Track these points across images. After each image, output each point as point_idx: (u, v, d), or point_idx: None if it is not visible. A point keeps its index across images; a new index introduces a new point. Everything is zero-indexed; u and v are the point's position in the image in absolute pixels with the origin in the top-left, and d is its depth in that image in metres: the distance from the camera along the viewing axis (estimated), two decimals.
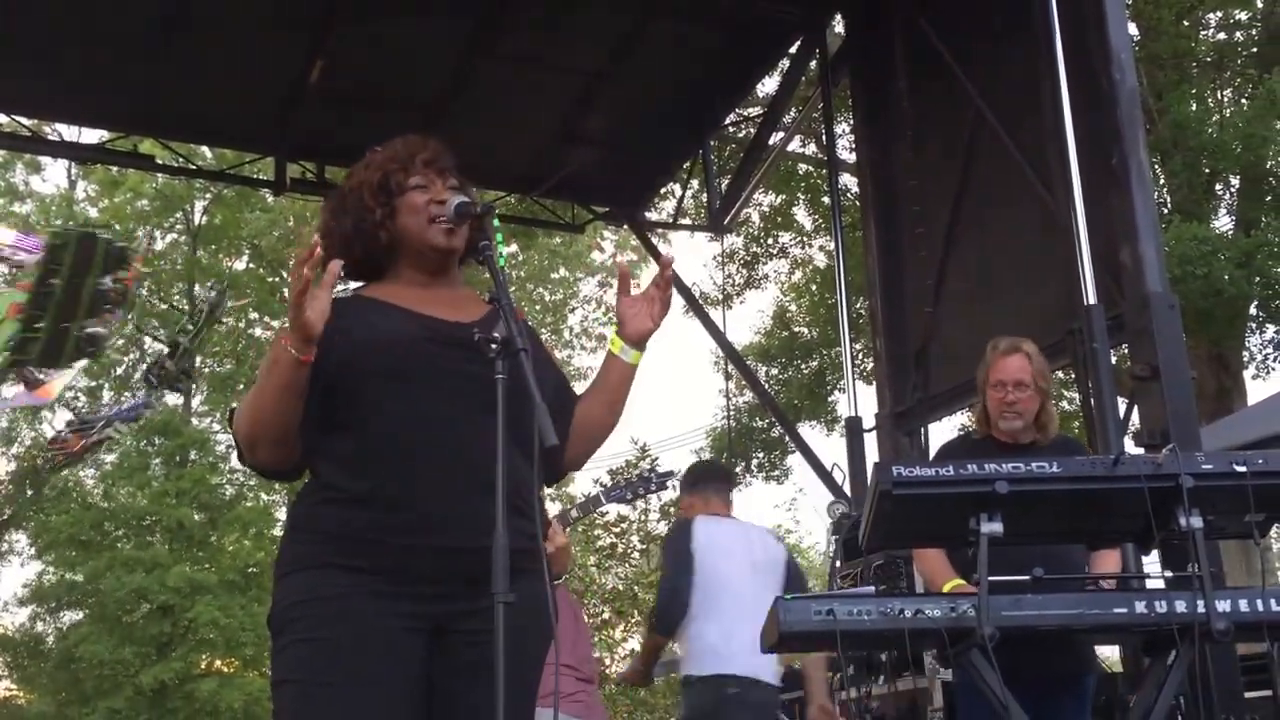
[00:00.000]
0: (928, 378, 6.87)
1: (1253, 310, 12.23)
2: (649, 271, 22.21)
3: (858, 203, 8.66)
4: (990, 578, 2.98)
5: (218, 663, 20.07)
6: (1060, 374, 8.00)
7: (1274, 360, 13.09)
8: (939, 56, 6.75)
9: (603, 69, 7.79)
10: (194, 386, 21.51)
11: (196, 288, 20.90)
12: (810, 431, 16.37)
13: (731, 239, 15.02)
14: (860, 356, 12.53)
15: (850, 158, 11.83)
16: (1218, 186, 13.00)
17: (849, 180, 11.80)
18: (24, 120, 8.17)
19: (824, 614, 3.02)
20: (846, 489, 6.76)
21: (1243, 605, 3.02)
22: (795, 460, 16.27)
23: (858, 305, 12.45)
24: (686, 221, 11.23)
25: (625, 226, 11.28)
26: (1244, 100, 12.69)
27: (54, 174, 29.36)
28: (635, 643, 17.35)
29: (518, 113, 8.17)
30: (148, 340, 21.39)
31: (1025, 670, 3.21)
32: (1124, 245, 5.38)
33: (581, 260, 22.05)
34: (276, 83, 7.67)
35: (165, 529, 20.46)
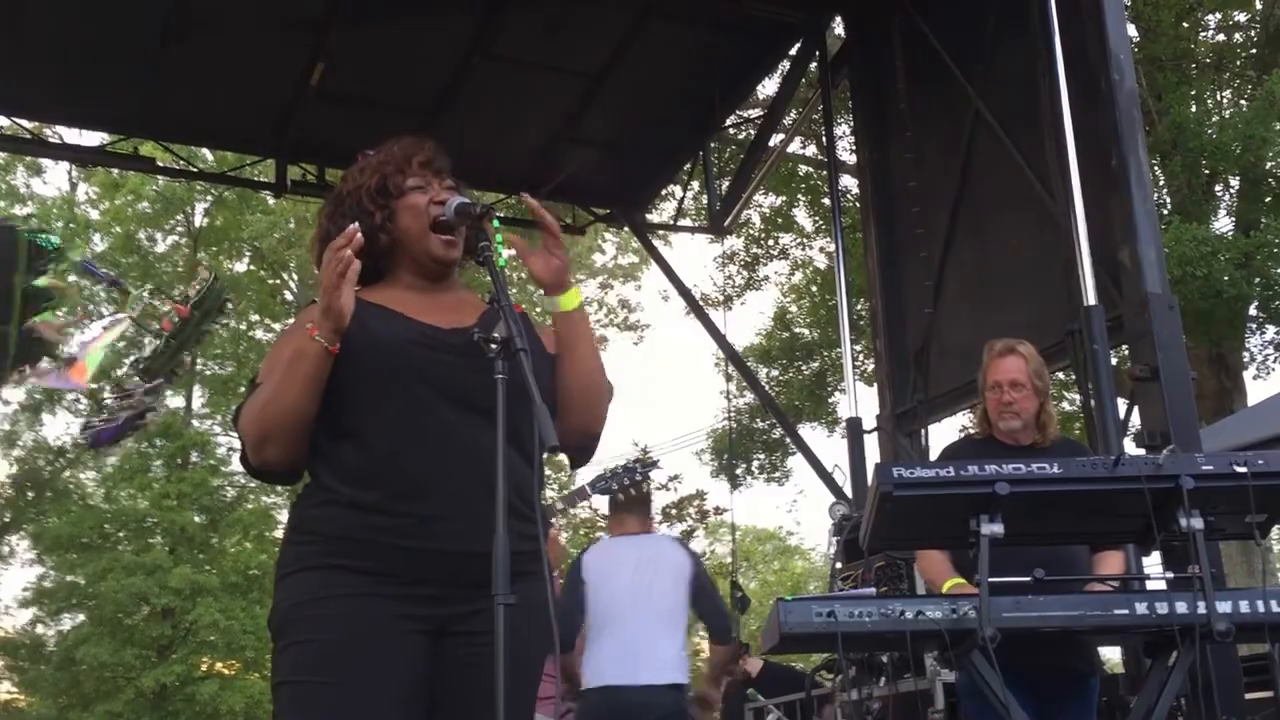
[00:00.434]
0: (928, 379, 6.87)
1: (1253, 311, 12.24)
2: (649, 272, 22.19)
3: (858, 204, 8.66)
4: (991, 579, 2.97)
5: (218, 665, 20.09)
6: (1060, 375, 8.02)
7: (1274, 360, 13.12)
8: (938, 58, 6.75)
9: (603, 70, 7.78)
10: (192, 384, 21.49)
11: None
12: (811, 433, 16.41)
13: (732, 240, 15.06)
14: (861, 358, 12.55)
15: (850, 159, 11.85)
16: (1217, 187, 13.00)
17: (849, 181, 11.82)
18: (25, 123, 8.17)
19: (825, 615, 3.03)
20: (847, 490, 6.75)
21: (1243, 606, 3.02)
22: (796, 461, 16.32)
23: (858, 306, 12.46)
24: (687, 223, 11.22)
25: (626, 228, 11.27)
26: (1243, 101, 12.69)
27: (55, 176, 29.36)
28: None
29: (518, 114, 8.16)
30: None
31: (1029, 672, 3.21)
32: (1123, 246, 5.37)
33: (582, 262, 22.06)
34: (277, 84, 7.66)
35: (166, 531, 20.47)
